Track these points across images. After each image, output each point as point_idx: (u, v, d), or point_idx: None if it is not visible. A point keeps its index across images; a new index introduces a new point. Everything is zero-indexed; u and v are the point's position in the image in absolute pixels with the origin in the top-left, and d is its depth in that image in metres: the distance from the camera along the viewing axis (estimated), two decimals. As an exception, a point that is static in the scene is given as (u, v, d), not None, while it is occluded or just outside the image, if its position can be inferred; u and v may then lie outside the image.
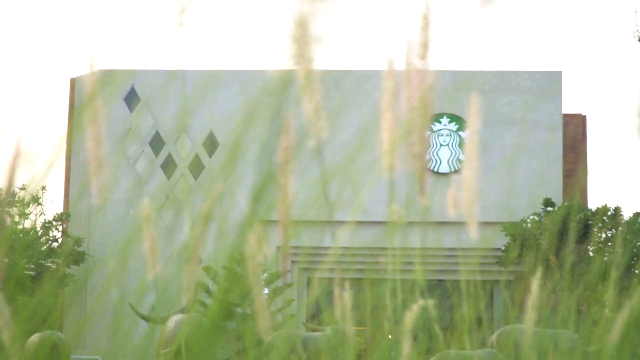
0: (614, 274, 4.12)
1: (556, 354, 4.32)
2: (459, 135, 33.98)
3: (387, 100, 2.52)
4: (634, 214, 29.08)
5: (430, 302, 3.53)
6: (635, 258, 28.23)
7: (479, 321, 4.11)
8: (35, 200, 31.87)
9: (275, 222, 2.72)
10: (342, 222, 3.40)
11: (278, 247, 2.91)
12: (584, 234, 28.70)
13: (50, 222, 31.43)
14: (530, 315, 3.51)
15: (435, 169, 33.38)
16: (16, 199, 2.62)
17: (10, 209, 2.49)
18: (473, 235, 2.77)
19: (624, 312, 3.47)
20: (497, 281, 29.87)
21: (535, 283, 3.50)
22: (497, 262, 29.85)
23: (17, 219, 2.68)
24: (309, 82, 2.47)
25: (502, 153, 33.60)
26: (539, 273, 3.57)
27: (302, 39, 2.37)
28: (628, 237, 28.37)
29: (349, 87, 32.58)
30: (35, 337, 3.99)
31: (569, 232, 27.95)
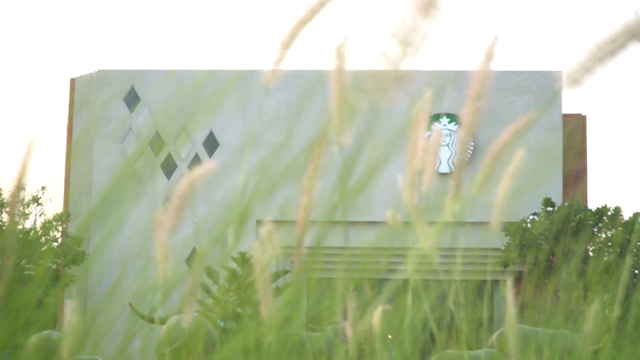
0: (613, 275, 4.12)
1: (556, 354, 4.32)
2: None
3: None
4: (634, 214, 29.09)
5: (426, 303, 3.53)
6: (635, 258, 28.23)
7: (479, 321, 4.11)
8: (35, 200, 31.88)
9: (278, 222, 2.72)
10: (343, 223, 3.40)
11: (280, 247, 2.91)
12: (584, 234, 28.70)
13: (50, 222, 31.42)
14: (514, 316, 3.51)
15: (435, 169, 33.33)
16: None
17: (16, 210, 2.49)
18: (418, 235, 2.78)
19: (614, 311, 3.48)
20: (497, 281, 29.87)
21: (509, 292, 3.51)
22: (497, 262, 29.85)
23: (17, 219, 2.68)
24: (341, 87, 2.47)
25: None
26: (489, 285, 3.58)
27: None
28: (628, 237, 28.37)
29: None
30: (35, 338, 4.00)
31: (568, 233, 27.94)
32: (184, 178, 2.57)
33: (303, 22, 2.62)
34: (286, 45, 2.64)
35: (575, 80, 2.04)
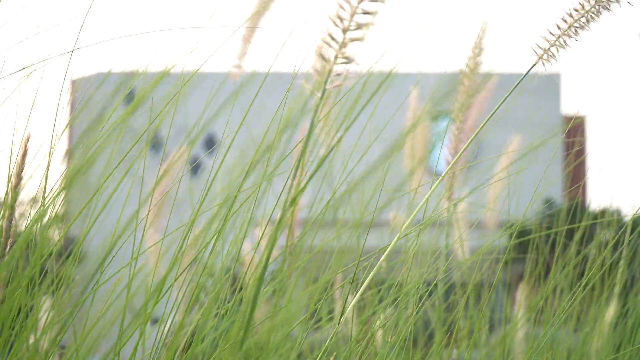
0: (615, 275, 4.11)
1: (555, 354, 4.31)
2: (459, 136, 33.96)
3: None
4: (635, 214, 29.08)
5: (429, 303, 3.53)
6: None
7: (480, 322, 4.10)
8: (35, 200, 31.91)
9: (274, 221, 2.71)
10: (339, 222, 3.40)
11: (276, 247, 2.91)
12: (584, 234, 28.70)
13: (49, 222, 31.45)
14: (524, 316, 3.51)
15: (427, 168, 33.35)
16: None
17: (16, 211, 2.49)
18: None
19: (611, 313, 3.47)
20: (496, 281, 29.86)
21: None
22: (497, 262, 29.85)
23: (17, 220, 2.68)
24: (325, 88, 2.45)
25: (501, 153, 33.52)
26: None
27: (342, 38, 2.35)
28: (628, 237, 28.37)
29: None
30: (34, 337, 4.00)
31: (568, 233, 27.93)
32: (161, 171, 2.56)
33: (257, 14, 2.62)
34: (247, 38, 2.64)
35: (549, 57, 2.01)
